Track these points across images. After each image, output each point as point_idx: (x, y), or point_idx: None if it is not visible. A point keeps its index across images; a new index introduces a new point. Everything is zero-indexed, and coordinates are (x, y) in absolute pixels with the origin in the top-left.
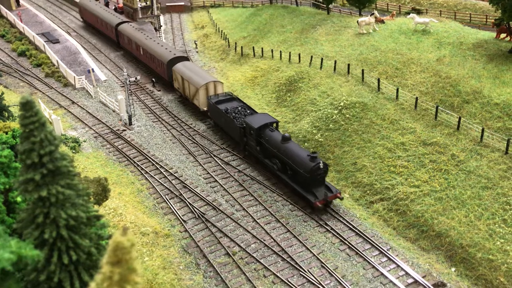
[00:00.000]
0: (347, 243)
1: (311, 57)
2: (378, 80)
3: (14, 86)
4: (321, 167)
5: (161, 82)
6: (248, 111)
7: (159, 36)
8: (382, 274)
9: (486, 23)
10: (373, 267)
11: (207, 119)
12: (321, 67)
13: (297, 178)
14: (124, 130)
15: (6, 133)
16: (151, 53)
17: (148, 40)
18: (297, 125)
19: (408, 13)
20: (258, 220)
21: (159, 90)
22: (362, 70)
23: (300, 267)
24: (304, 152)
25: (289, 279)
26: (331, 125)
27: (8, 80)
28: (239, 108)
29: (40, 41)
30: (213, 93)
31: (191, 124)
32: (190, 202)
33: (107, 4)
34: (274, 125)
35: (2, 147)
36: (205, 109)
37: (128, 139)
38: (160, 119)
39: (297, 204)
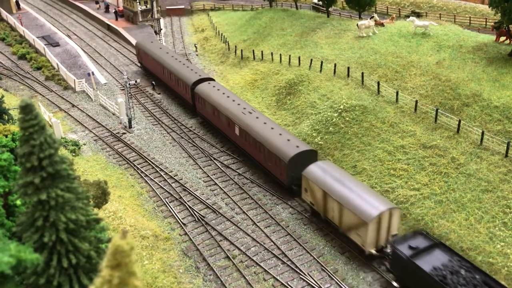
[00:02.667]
0: (347, 246)
1: (311, 60)
2: (378, 83)
3: (14, 89)
4: None
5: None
6: (477, 276)
7: (159, 40)
8: (382, 277)
9: (485, 26)
10: (373, 270)
11: (209, 122)
12: (321, 70)
13: None
14: (124, 133)
15: (6, 136)
16: (270, 150)
17: (252, 118)
18: (297, 128)
19: (408, 16)
20: (258, 223)
21: (159, 93)
22: (362, 73)
23: (300, 270)
24: None
25: (289, 282)
26: (331, 128)
27: (8, 83)
28: (457, 267)
29: (40, 44)
30: (386, 227)
31: (191, 127)
32: (190, 205)
33: (107, 8)
34: None
35: (2, 150)
36: (373, 251)
37: (128, 142)
38: (160, 122)
39: (297, 208)
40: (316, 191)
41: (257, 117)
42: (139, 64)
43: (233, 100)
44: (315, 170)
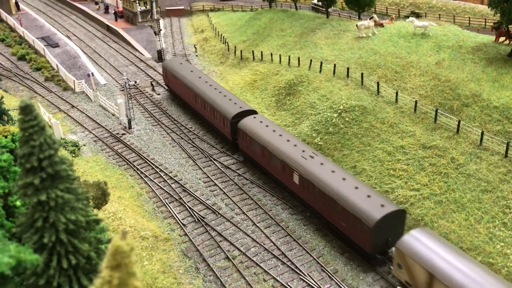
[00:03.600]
0: (347, 247)
1: (311, 60)
2: (378, 83)
3: (14, 90)
4: None
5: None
6: None
7: (159, 40)
8: (382, 277)
9: (485, 27)
10: (373, 270)
11: (206, 122)
12: (320, 71)
13: None
14: (124, 134)
15: (6, 137)
16: (347, 209)
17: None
18: (297, 129)
19: (407, 17)
20: (258, 224)
21: (158, 94)
22: (362, 74)
23: (300, 271)
24: None
25: (289, 283)
26: (330, 129)
27: (8, 84)
28: None
29: (40, 45)
30: None
31: (191, 127)
32: (190, 206)
33: (106, 8)
34: None
35: (2, 151)
36: None
37: (128, 143)
38: (159, 123)
39: (298, 208)
40: (417, 271)
41: (321, 163)
42: (166, 87)
43: (288, 140)
44: (413, 242)
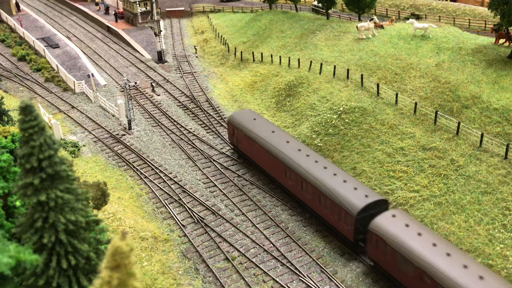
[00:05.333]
0: (347, 248)
1: (311, 62)
2: (378, 85)
3: (14, 90)
4: None
5: None
6: None
7: (159, 41)
8: (382, 279)
9: (485, 29)
10: (373, 271)
11: (206, 124)
12: (320, 72)
13: None
14: (124, 135)
15: (6, 137)
16: None
17: None
18: (297, 130)
19: (407, 19)
20: (257, 225)
21: (158, 95)
22: (362, 75)
23: (300, 272)
24: None
25: (288, 284)
26: (330, 130)
27: (8, 85)
28: None
29: (40, 46)
30: None
31: (191, 128)
32: (189, 207)
33: (107, 9)
34: None
35: (2, 152)
36: None
37: (128, 143)
38: (159, 124)
39: (297, 209)
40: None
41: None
42: (231, 146)
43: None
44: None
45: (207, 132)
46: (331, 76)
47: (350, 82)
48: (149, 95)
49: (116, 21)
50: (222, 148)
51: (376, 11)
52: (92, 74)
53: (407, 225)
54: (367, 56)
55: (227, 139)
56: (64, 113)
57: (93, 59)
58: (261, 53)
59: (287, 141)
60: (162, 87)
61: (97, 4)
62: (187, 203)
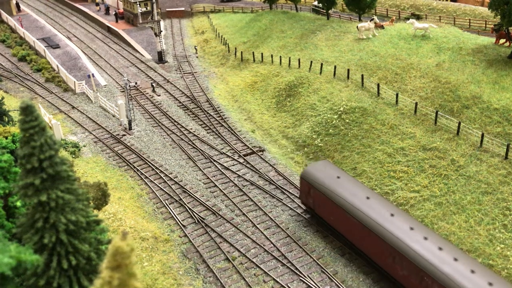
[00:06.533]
0: (347, 248)
1: (311, 62)
2: (378, 85)
3: (14, 91)
4: None
5: None
6: None
7: (159, 42)
8: (382, 279)
9: (485, 29)
10: (373, 272)
11: (207, 124)
12: (320, 72)
13: None
14: (124, 135)
15: (6, 137)
16: None
17: None
18: (297, 130)
19: (408, 19)
20: (258, 225)
21: (159, 95)
22: (362, 75)
23: (300, 272)
24: None
25: (288, 284)
26: (330, 130)
27: (8, 85)
28: None
29: (40, 46)
30: None
31: (191, 129)
32: (190, 207)
33: (107, 10)
34: None
35: (2, 152)
36: None
37: (128, 144)
38: (160, 124)
39: (297, 210)
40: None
41: None
42: (303, 207)
43: None
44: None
45: (208, 133)
46: (331, 76)
47: (351, 82)
48: (150, 95)
49: (117, 21)
50: (222, 148)
51: (377, 11)
52: (93, 75)
53: None
54: (367, 56)
55: (297, 195)
56: (65, 113)
57: (93, 60)
58: (262, 53)
59: (391, 214)
60: (163, 88)
61: (97, 4)
62: (188, 203)
